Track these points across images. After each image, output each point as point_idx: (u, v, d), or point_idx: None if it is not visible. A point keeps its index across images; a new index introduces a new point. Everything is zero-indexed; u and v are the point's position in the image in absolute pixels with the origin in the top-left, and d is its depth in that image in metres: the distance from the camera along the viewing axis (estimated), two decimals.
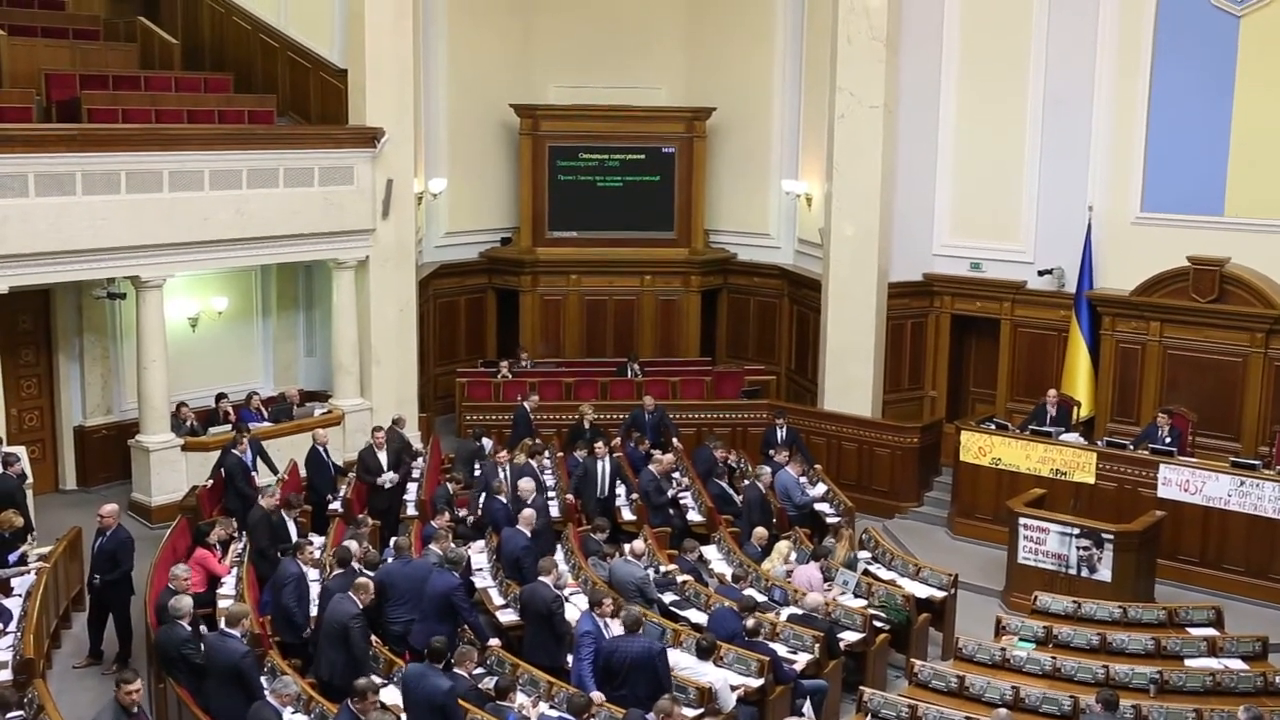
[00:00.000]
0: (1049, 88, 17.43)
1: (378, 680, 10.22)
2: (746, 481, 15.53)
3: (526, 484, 14.06)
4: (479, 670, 10.23)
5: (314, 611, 11.32)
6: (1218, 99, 16.08)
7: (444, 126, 20.88)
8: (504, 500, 14.01)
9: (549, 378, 19.86)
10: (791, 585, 12.69)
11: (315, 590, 11.59)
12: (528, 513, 13.01)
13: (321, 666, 10.39)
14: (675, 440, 17.38)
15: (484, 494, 14.54)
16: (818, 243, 19.28)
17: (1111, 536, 13.62)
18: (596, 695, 9.91)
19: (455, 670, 9.77)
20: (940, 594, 13.03)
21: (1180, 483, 14.72)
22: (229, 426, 16.17)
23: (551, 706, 9.87)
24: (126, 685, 8.71)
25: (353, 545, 11.86)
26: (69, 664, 12.12)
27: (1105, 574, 13.59)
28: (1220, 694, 10.56)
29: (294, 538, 12.93)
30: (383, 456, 14.98)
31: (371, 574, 11.35)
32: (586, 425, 17.07)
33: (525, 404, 17.63)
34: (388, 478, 14.98)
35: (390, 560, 12.00)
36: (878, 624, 12.15)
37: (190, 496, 14.76)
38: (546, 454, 16.74)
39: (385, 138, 17.29)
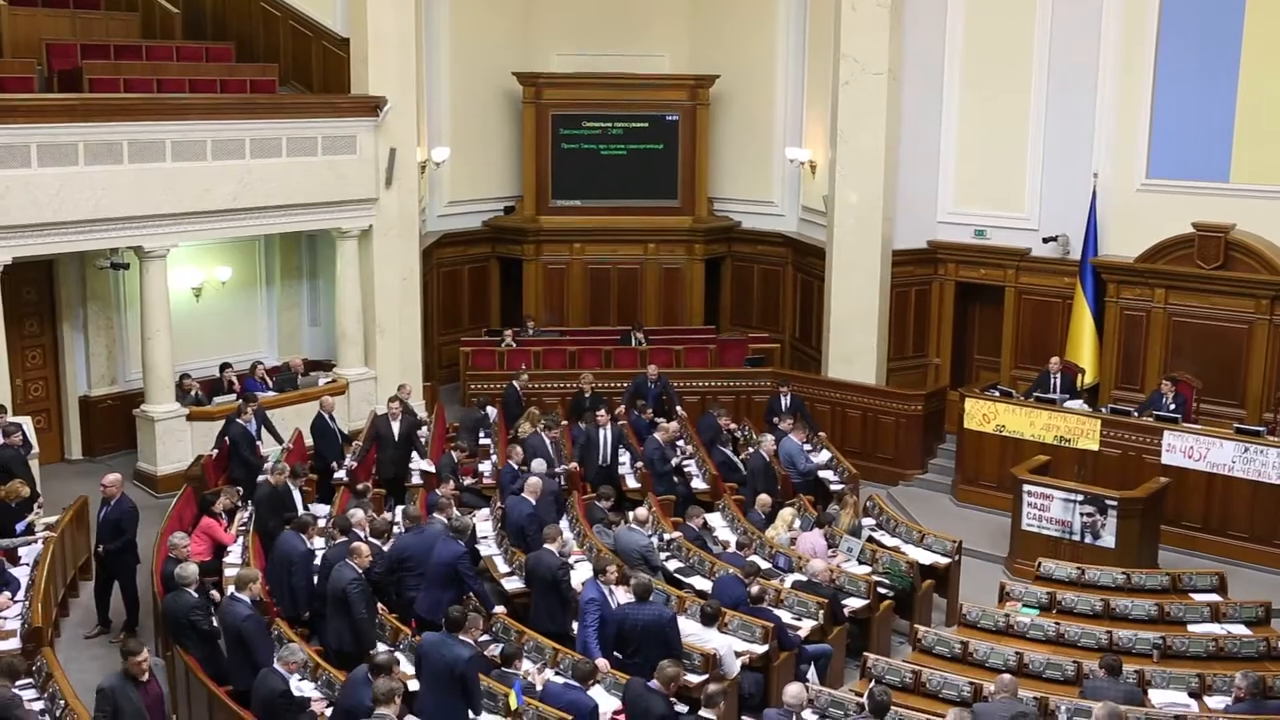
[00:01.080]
0: (1054, 54, 17.31)
1: (383, 647, 10.33)
2: (751, 449, 15.55)
3: (539, 464, 14.11)
4: (484, 637, 10.27)
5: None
6: (1224, 65, 15.97)
7: (446, 95, 20.80)
8: (515, 465, 14.05)
9: (553, 346, 19.86)
10: (796, 552, 12.73)
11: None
12: (533, 481, 13.02)
13: (329, 635, 10.46)
14: (679, 408, 17.39)
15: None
16: (822, 210, 19.22)
17: (1115, 503, 13.64)
18: (602, 662, 9.97)
19: (461, 637, 9.82)
20: (944, 560, 13.07)
21: (1184, 449, 14.72)
22: (233, 396, 16.19)
23: (557, 673, 9.93)
24: (134, 656, 8.76)
25: (358, 513, 11.90)
26: (77, 633, 12.21)
27: (1109, 540, 13.61)
28: (1223, 659, 10.62)
29: (299, 506, 12.99)
30: (396, 426, 14.96)
31: (378, 542, 11.42)
32: (587, 394, 17.09)
33: (515, 383, 17.59)
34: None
35: (403, 531, 12.04)
36: (882, 590, 12.20)
37: (195, 466, 14.83)
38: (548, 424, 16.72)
39: (388, 106, 17.22)
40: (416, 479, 14.85)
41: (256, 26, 18.67)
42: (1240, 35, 15.86)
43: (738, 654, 10.39)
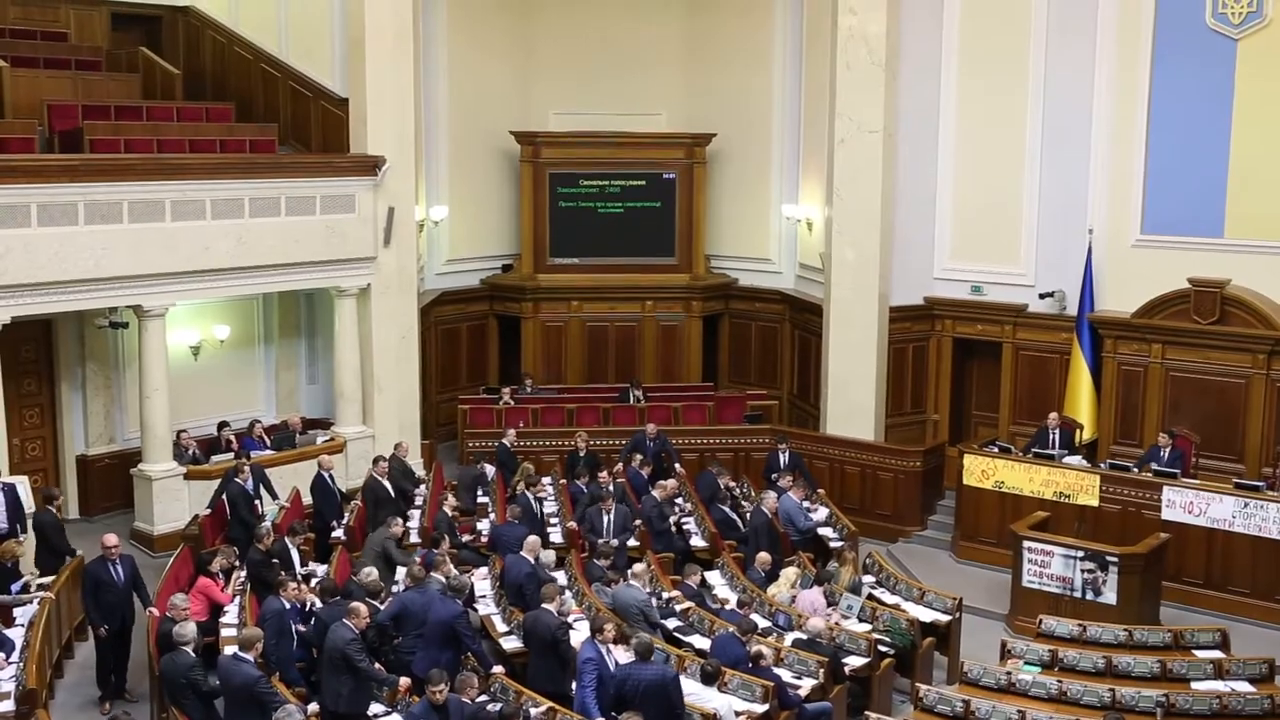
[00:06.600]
0: (1048, 111, 17.49)
1: (379, 707, 10.25)
2: (751, 506, 15.50)
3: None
4: (482, 697, 10.19)
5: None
6: (1216, 121, 16.12)
7: (445, 154, 20.96)
8: (516, 523, 14.02)
9: (551, 404, 19.85)
10: (795, 610, 12.66)
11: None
12: (531, 539, 13.01)
13: (326, 696, 10.36)
14: (678, 465, 17.36)
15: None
16: (819, 267, 19.31)
17: (1116, 559, 13.59)
18: None
19: (458, 696, 9.74)
20: (945, 618, 12.99)
21: (1184, 505, 14.69)
22: (231, 455, 16.16)
23: None
24: None
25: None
26: (72, 695, 12.06)
27: (1110, 597, 13.56)
28: (1227, 717, 10.51)
29: (297, 565, 12.92)
30: (387, 485, 14.95)
31: (375, 602, 11.35)
32: (582, 452, 17.07)
33: (505, 441, 17.60)
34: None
35: (405, 590, 11.96)
36: (882, 648, 12.11)
37: (192, 525, 14.75)
38: (548, 481, 16.70)
39: (386, 166, 17.34)
40: (415, 538, 14.79)
41: (256, 87, 18.83)
42: (1232, 92, 16.01)
43: (738, 713, 10.29)
